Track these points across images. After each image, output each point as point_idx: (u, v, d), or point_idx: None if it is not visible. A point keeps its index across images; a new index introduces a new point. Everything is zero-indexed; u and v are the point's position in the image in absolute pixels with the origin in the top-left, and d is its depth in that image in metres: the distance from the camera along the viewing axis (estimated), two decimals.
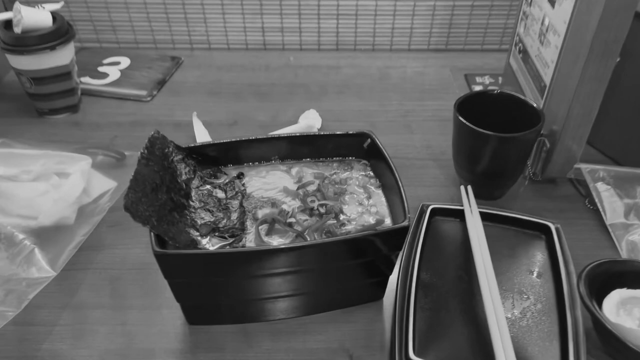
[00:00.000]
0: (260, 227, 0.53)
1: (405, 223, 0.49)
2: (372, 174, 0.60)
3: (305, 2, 0.99)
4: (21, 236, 0.60)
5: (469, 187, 0.66)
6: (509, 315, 0.54)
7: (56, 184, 0.64)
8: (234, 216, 0.55)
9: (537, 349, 0.51)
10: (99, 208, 0.66)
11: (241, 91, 0.92)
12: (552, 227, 0.62)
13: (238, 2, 0.99)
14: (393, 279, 0.57)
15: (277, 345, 0.54)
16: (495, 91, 0.69)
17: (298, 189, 0.58)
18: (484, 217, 0.62)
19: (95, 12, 1.00)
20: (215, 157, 0.60)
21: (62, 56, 0.81)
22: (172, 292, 0.51)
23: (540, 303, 0.56)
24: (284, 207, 0.55)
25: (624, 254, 0.62)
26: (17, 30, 0.78)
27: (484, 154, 0.65)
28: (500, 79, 0.92)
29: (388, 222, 0.54)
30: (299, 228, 0.53)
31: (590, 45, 0.59)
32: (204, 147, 0.60)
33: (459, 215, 0.64)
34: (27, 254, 0.59)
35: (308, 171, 0.60)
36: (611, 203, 0.66)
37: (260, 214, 0.54)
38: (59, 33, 0.79)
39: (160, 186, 0.53)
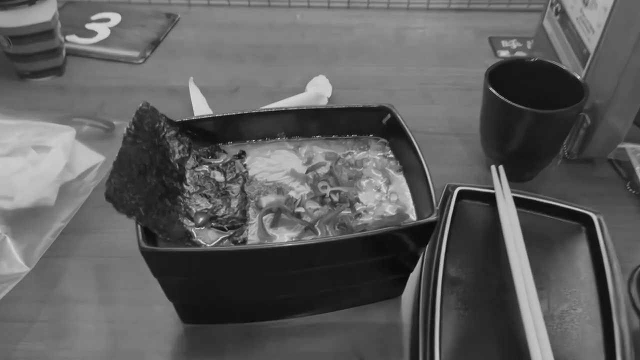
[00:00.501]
0: (264, 218, 0.46)
1: (434, 217, 0.42)
2: (391, 154, 0.53)
3: None
4: None
5: (501, 168, 0.59)
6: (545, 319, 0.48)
7: (34, 159, 0.57)
8: (234, 203, 0.48)
9: None
10: (84, 187, 0.59)
11: (243, 53, 0.83)
12: (594, 217, 0.55)
13: None
14: (414, 273, 0.51)
15: (283, 349, 0.48)
16: (532, 59, 0.61)
17: (307, 171, 0.50)
18: (517, 202, 0.55)
19: None
20: (213, 133, 0.53)
21: (43, 11, 0.72)
22: (163, 291, 0.45)
23: (581, 307, 0.49)
24: (292, 194, 0.48)
25: None
26: None
27: (518, 132, 0.57)
28: (529, 43, 0.84)
29: (411, 212, 0.47)
30: (308, 219, 0.46)
31: None
32: (201, 121, 0.52)
33: (489, 199, 0.57)
34: None
35: (318, 151, 0.53)
36: None
37: (265, 202, 0.47)
38: None
39: (150, 168, 0.46)
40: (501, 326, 0.48)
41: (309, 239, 0.45)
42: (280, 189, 0.49)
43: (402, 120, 0.51)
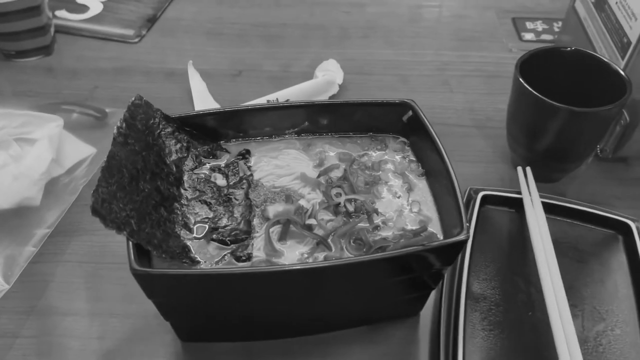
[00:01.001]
0: (271, 230, 0.41)
1: (463, 236, 0.37)
2: (412, 156, 0.47)
3: None
4: None
5: (528, 170, 0.53)
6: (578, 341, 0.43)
7: (17, 154, 0.52)
8: (238, 212, 0.43)
9: None
10: (73, 184, 0.54)
11: (246, 32, 0.77)
12: (633, 225, 0.50)
13: None
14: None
15: None
16: (569, 48, 0.55)
17: (319, 175, 0.45)
18: (546, 208, 0.50)
19: None
20: (214, 129, 0.47)
21: None
22: (159, 311, 0.40)
23: (619, 327, 0.45)
24: (302, 202, 0.43)
25: None
26: None
27: (550, 130, 0.52)
28: (555, 25, 0.77)
29: (435, 226, 0.42)
30: (320, 232, 0.41)
31: None
32: (201, 116, 0.47)
33: (515, 204, 0.52)
34: None
35: (331, 151, 0.48)
36: None
37: (272, 211, 0.42)
38: None
39: (143, 172, 0.41)
40: (530, 349, 0.44)
41: (321, 259, 0.40)
42: (289, 197, 0.44)
43: (425, 118, 0.46)
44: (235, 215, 0.43)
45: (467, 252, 0.47)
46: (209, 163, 0.46)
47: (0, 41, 0.69)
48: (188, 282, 0.37)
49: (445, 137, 0.45)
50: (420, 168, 0.46)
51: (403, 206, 0.44)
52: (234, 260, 0.40)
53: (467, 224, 0.38)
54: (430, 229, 0.42)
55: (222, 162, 0.46)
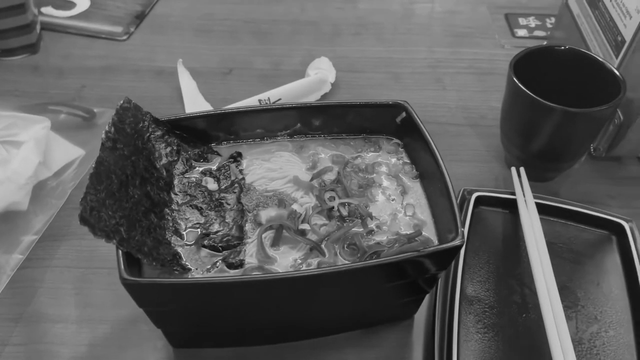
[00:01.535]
0: (264, 236, 0.41)
1: (459, 241, 0.37)
2: (406, 158, 0.47)
3: None
4: None
5: (522, 171, 0.53)
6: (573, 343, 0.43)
7: (2, 158, 0.51)
8: (229, 217, 0.42)
9: None
10: (61, 188, 0.53)
11: (237, 29, 0.76)
12: (626, 225, 0.50)
13: None
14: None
15: None
16: (562, 47, 0.55)
17: (312, 178, 0.45)
18: (539, 208, 0.50)
19: None
20: (205, 132, 0.47)
21: None
22: (150, 319, 0.40)
23: (613, 329, 0.45)
24: (295, 207, 0.42)
25: None
26: None
27: (544, 130, 0.51)
28: (548, 21, 0.77)
29: (429, 229, 0.42)
30: (314, 237, 0.41)
31: None
32: (191, 119, 0.46)
33: (509, 205, 0.52)
34: None
35: (324, 153, 0.47)
36: None
37: (264, 216, 0.42)
38: None
39: (132, 178, 0.40)
40: (524, 350, 0.44)
41: (315, 265, 0.39)
42: (281, 201, 0.43)
43: (419, 120, 0.45)
44: (227, 221, 0.42)
45: (461, 254, 0.47)
46: (200, 166, 0.45)
47: None
48: (179, 291, 0.36)
49: (438, 136, 0.44)
50: (414, 170, 0.46)
51: (397, 209, 0.43)
52: (225, 267, 0.39)
53: (462, 229, 0.38)
54: (424, 233, 0.42)
55: (213, 166, 0.46)
